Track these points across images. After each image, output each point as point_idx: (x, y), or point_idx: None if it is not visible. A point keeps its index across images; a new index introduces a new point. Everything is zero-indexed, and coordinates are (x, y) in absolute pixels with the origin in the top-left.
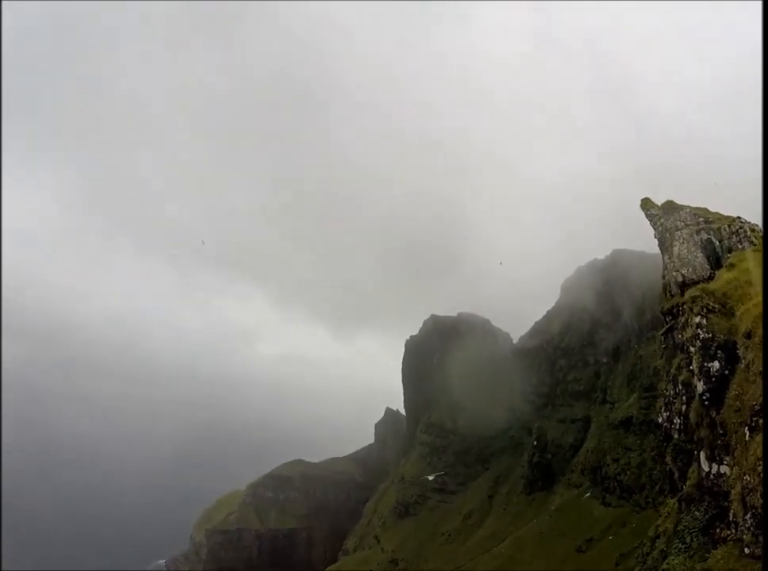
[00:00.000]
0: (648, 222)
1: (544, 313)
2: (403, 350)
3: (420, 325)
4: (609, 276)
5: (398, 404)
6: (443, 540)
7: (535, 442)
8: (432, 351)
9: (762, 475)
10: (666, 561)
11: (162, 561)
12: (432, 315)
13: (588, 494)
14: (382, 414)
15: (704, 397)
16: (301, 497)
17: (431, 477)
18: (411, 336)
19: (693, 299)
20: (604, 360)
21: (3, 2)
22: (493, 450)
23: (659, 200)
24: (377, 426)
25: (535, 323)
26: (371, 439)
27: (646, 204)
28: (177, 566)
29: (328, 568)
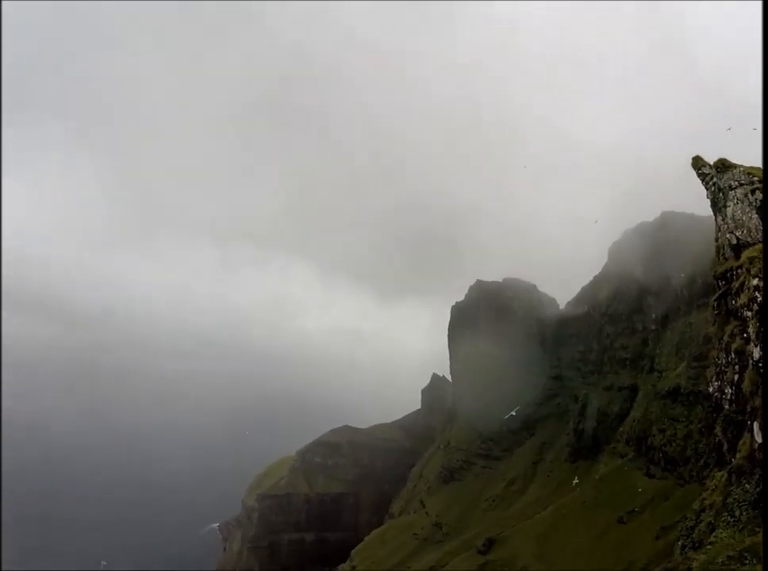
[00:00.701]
0: (699, 182)
1: (591, 279)
2: (449, 316)
3: (466, 291)
4: (658, 240)
5: (444, 371)
6: (486, 506)
7: (580, 410)
8: (478, 317)
9: None
10: (714, 534)
11: (215, 525)
12: (478, 280)
13: (632, 465)
14: (428, 380)
15: (761, 364)
16: (349, 463)
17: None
18: (456, 302)
19: (750, 260)
20: (653, 327)
21: (3, 2)
22: (538, 417)
23: (711, 159)
24: (423, 392)
25: (582, 288)
26: (418, 405)
27: (697, 162)
28: (229, 530)
29: (374, 531)
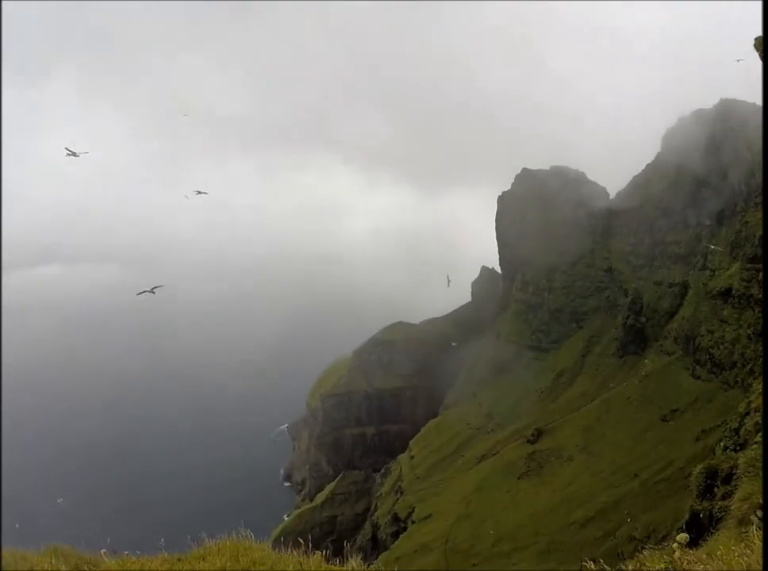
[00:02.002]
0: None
1: (643, 168)
2: (496, 206)
3: (513, 179)
4: (716, 129)
5: (494, 263)
6: (535, 397)
7: (630, 305)
8: (526, 207)
9: None
10: (759, 434)
11: (284, 427)
12: (524, 169)
13: (678, 364)
14: (478, 273)
15: None
16: (404, 358)
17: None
18: (503, 192)
19: None
20: (707, 223)
21: (3, 2)
22: (587, 310)
23: None
24: (473, 285)
25: (634, 177)
26: (468, 298)
27: (761, 44)
28: (297, 430)
29: (430, 421)
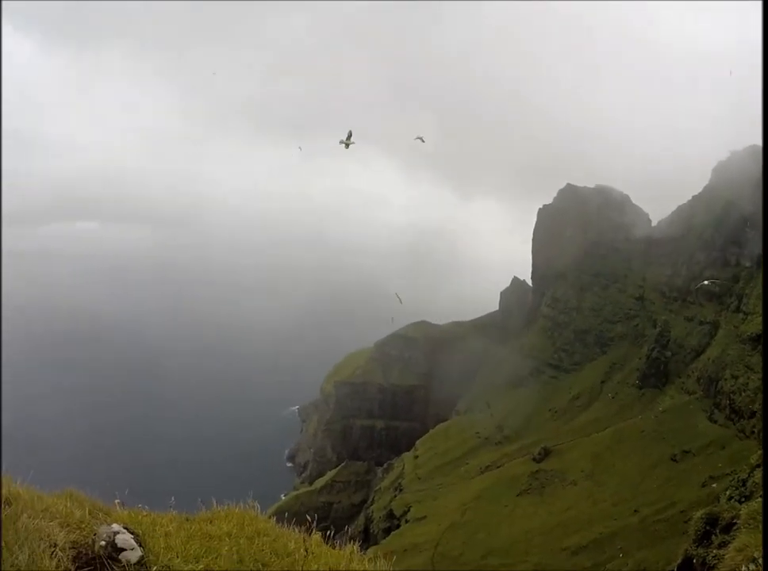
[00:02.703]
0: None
1: (689, 198)
2: (535, 217)
3: (555, 194)
4: None
5: (526, 275)
6: (549, 416)
7: (657, 337)
8: (566, 223)
9: None
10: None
11: (295, 408)
12: (569, 184)
13: (697, 405)
14: (509, 283)
15: None
16: (423, 357)
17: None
18: (544, 205)
19: None
20: (748, 264)
21: (3, 2)
22: (613, 335)
23: None
24: (502, 294)
25: (678, 207)
26: (495, 306)
27: None
28: (308, 413)
29: (439, 424)
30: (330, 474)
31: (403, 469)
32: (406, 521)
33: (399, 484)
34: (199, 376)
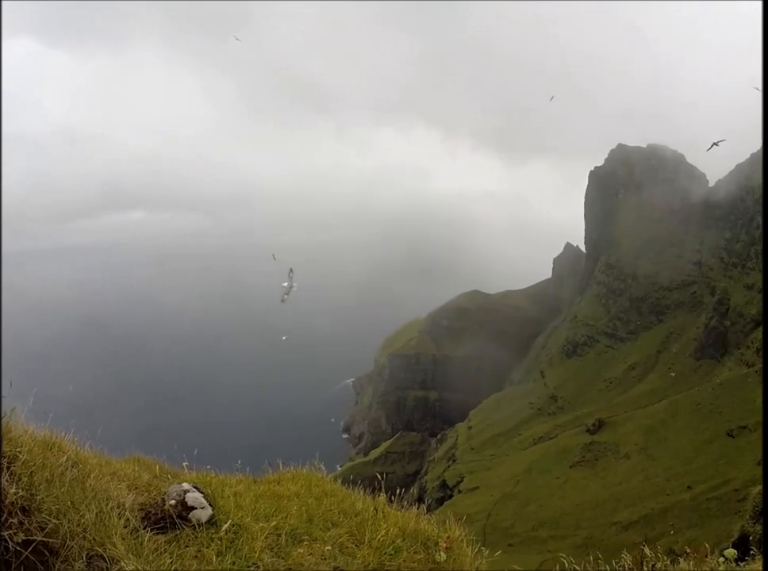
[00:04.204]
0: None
1: (748, 156)
2: (586, 181)
3: (606, 155)
4: None
5: (579, 241)
6: (603, 386)
7: (715, 305)
8: (618, 185)
9: None
10: None
11: (350, 380)
12: (619, 144)
13: (756, 377)
14: (562, 249)
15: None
16: (476, 327)
17: None
18: (595, 167)
19: None
20: None
21: (3, 2)
22: (670, 303)
23: None
24: (555, 261)
25: (737, 166)
26: (548, 274)
27: None
28: (362, 385)
29: (493, 395)
30: (384, 445)
31: (457, 439)
32: (459, 491)
33: (452, 454)
34: (256, 354)
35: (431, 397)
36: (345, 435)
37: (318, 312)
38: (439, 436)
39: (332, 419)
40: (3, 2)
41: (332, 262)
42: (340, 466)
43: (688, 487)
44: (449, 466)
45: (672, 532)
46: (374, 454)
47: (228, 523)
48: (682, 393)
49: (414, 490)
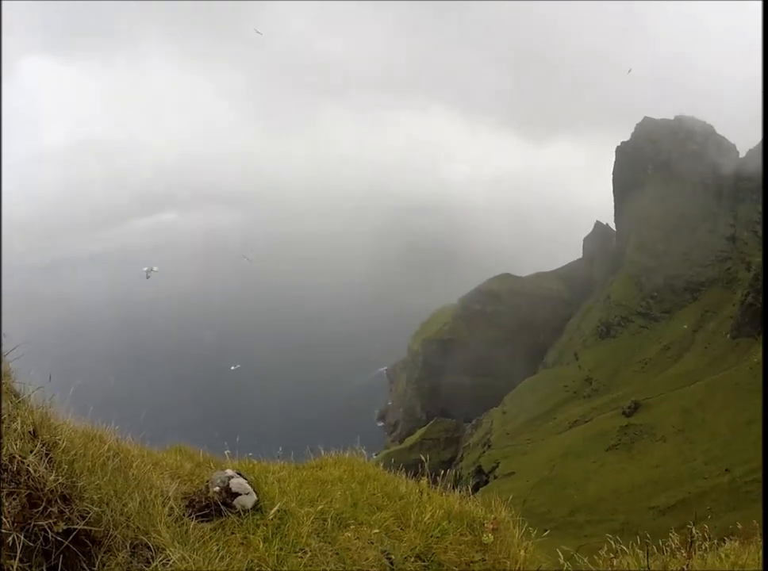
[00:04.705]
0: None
1: None
2: (613, 157)
3: (632, 129)
4: None
5: (609, 219)
6: (638, 367)
7: (751, 281)
8: (646, 160)
9: None
10: None
11: (383, 369)
12: (645, 117)
13: None
14: (591, 228)
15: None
16: (508, 311)
17: None
18: (622, 142)
19: None
20: None
21: (3, 2)
22: (704, 280)
23: None
24: (585, 241)
25: None
26: (578, 254)
27: None
28: (396, 372)
29: (527, 379)
30: (420, 432)
31: (491, 425)
32: (495, 477)
33: (488, 440)
34: (291, 345)
35: (465, 383)
36: (380, 423)
37: (351, 300)
38: (474, 422)
39: (366, 408)
40: (3, 2)
41: (359, 251)
42: (376, 454)
43: (726, 470)
44: (484, 452)
45: (710, 517)
46: (410, 441)
47: (276, 508)
48: (719, 374)
49: (450, 477)
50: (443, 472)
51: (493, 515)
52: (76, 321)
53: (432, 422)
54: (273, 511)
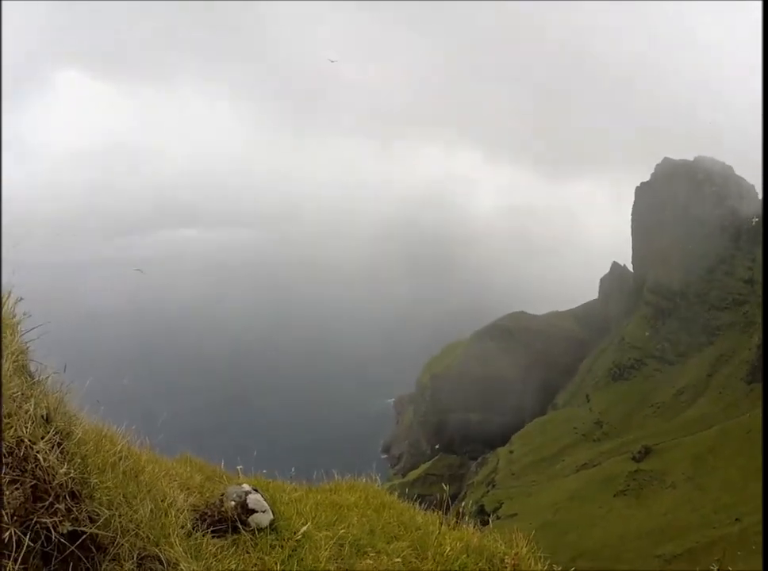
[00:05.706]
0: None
1: None
2: (633, 197)
3: (652, 170)
4: None
5: (626, 259)
6: (650, 412)
7: None
8: (665, 201)
9: None
10: None
11: (390, 401)
12: (665, 158)
13: None
14: (608, 269)
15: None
16: (521, 349)
17: None
18: (642, 183)
19: None
20: None
21: (3, 2)
22: (721, 324)
23: None
24: (602, 281)
25: None
26: (594, 294)
27: None
28: (403, 404)
29: (536, 419)
30: (424, 467)
31: (497, 464)
32: (497, 517)
33: (492, 479)
34: (301, 368)
35: (473, 419)
36: (384, 455)
37: (363, 329)
38: (479, 460)
39: (371, 439)
40: (3, 3)
41: (376, 278)
42: (378, 486)
43: (736, 519)
44: (488, 491)
45: (716, 568)
46: (413, 475)
47: (302, 530)
48: (733, 419)
49: (452, 514)
50: (445, 507)
51: (514, 551)
52: (91, 323)
53: (436, 457)
54: (299, 534)
